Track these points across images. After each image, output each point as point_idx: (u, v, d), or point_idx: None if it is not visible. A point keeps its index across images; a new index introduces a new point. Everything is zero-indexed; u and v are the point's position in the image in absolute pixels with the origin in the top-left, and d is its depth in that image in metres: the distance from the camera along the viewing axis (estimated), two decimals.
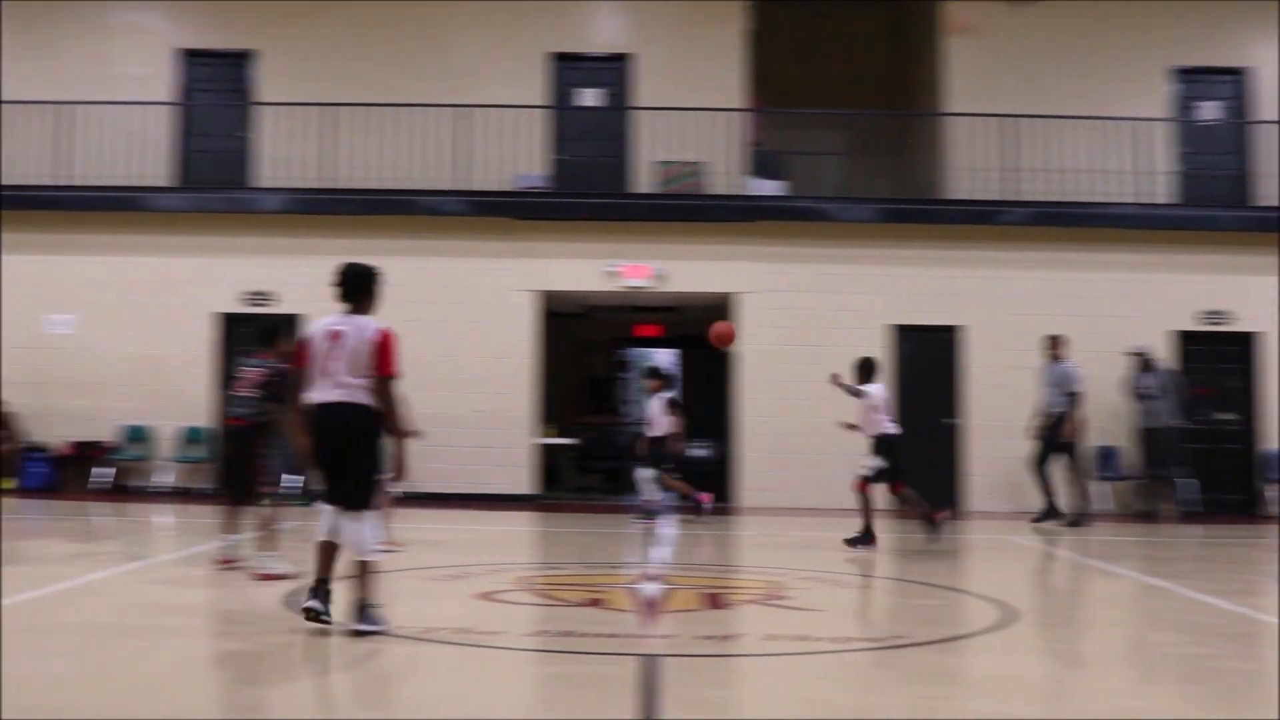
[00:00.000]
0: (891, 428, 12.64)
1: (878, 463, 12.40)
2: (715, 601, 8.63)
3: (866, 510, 12.43)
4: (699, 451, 19.43)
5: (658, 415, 15.65)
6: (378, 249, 17.97)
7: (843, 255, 18.15)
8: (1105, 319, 17.88)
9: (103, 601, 8.17)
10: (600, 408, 23.53)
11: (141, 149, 18.94)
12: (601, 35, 19.83)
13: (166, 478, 18.03)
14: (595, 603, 8.33)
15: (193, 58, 19.79)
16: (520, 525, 15.06)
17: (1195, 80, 19.68)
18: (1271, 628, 8.04)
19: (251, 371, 9.71)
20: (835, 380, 12.86)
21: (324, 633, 6.75)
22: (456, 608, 8.07)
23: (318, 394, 6.90)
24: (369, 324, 7.02)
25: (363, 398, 6.85)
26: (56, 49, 19.60)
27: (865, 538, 12.27)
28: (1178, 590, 9.81)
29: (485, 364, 17.96)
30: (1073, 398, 15.65)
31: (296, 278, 17.93)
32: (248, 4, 19.53)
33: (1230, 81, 19.76)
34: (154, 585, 9.08)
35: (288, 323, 17.63)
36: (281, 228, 18.25)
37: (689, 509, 15.51)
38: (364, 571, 6.86)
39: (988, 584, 10.07)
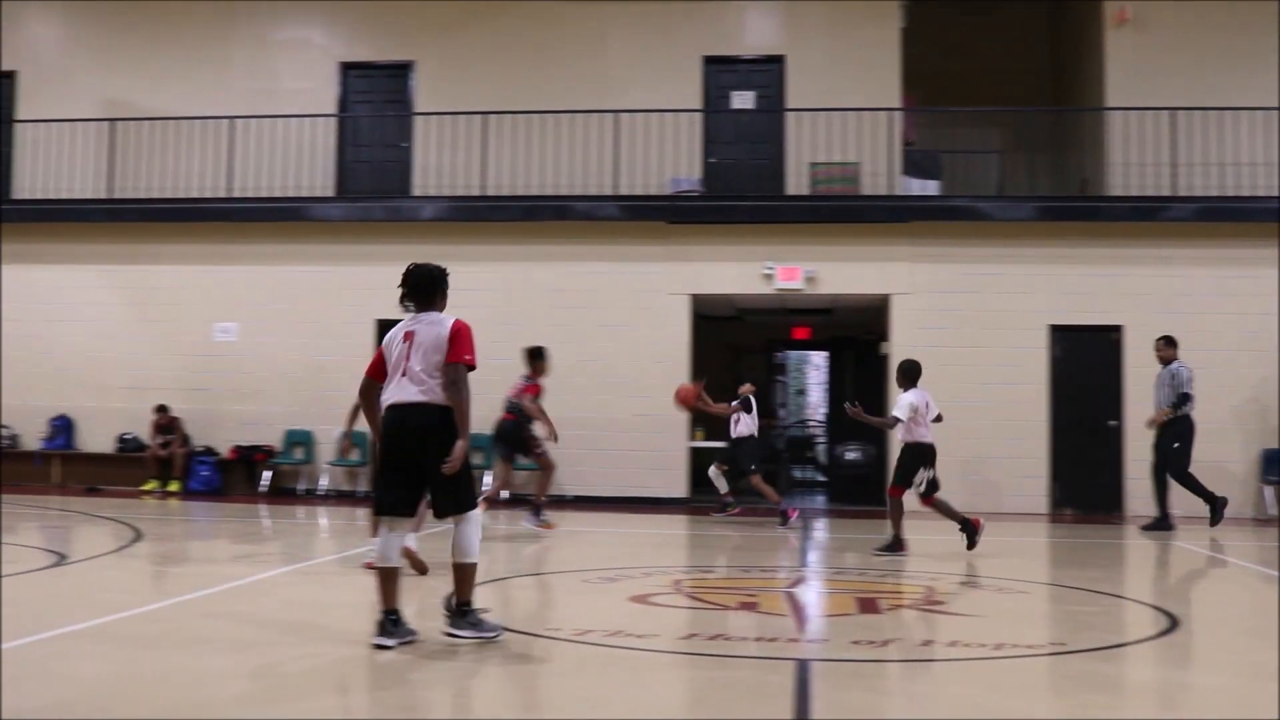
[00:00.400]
0: (926, 436, 12.21)
1: (927, 474, 12.09)
2: (870, 606, 8.58)
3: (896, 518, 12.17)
4: (851, 454, 19.30)
5: (743, 416, 15.53)
6: (533, 254, 18.39)
7: (999, 255, 17.87)
8: (1274, 316, 17.31)
9: (267, 600, 8.42)
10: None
11: (305, 160, 19.48)
12: (755, 37, 19.81)
13: (326, 482, 18.53)
14: (748, 606, 8.34)
15: (353, 70, 20.28)
16: (673, 528, 15.12)
17: None
18: None
19: None
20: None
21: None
22: (610, 611, 8.14)
23: (395, 395, 6.75)
24: (443, 318, 6.93)
25: (443, 397, 6.70)
26: (226, 66, 20.25)
27: (895, 545, 12.00)
28: None
29: (641, 367, 18.07)
30: (1183, 399, 15.05)
31: (456, 284, 18.18)
32: (405, 17, 19.96)
33: None
34: (310, 585, 9.33)
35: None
36: (439, 235, 18.59)
37: (774, 515, 15.33)
38: (466, 575, 6.78)
39: (1150, 590, 9.84)
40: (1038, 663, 6.75)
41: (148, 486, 18.22)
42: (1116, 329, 17.67)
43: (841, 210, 18.15)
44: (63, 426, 19.11)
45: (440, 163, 19.26)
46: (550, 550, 12.15)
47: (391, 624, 6.61)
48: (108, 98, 20.23)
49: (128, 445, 18.88)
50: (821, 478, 23.00)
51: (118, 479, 18.66)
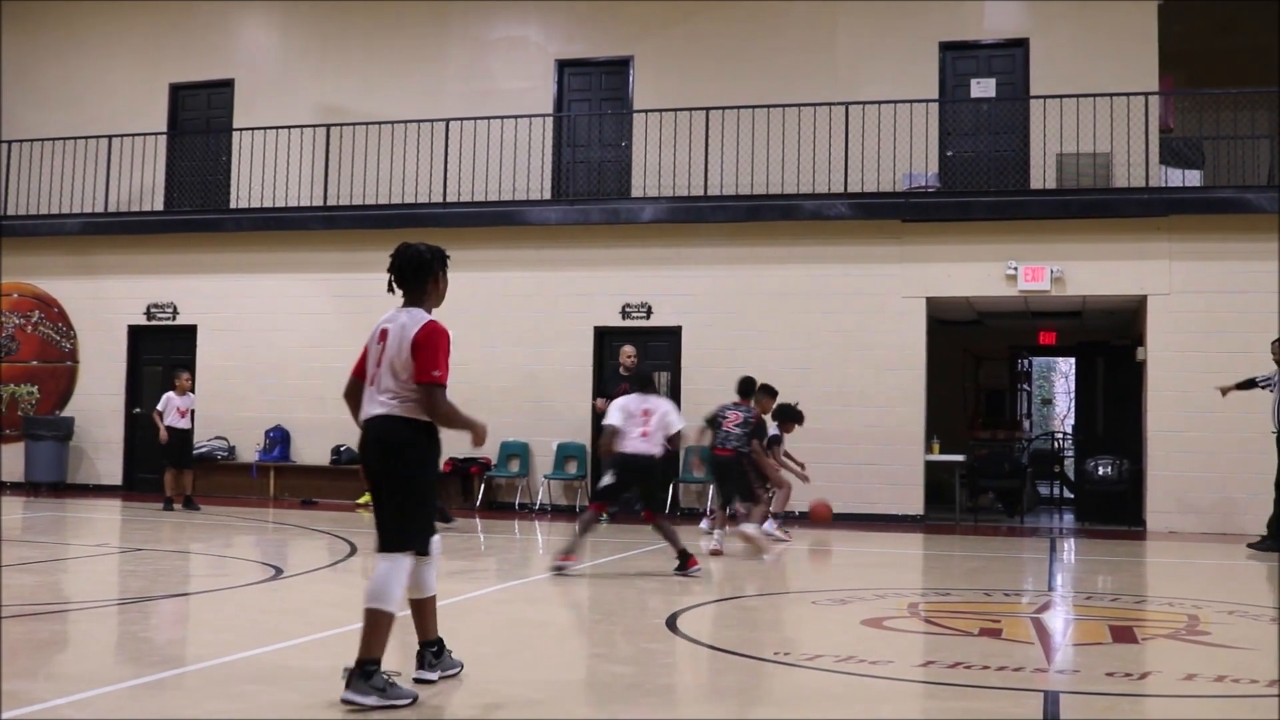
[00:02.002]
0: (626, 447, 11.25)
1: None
2: (1125, 635, 8.31)
3: None
4: (1102, 469, 18.75)
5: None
6: (758, 257, 18.40)
7: (1270, 250, 17.13)
8: None
9: (482, 618, 8.59)
10: (996, 421, 23.06)
11: (521, 162, 19.85)
12: (995, 20, 19.43)
13: (544, 495, 18.84)
14: (991, 632, 8.17)
15: (570, 68, 20.60)
16: (909, 548, 14.93)
17: None
18: None
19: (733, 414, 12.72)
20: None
21: (707, 653, 6.86)
22: (842, 634, 8.08)
23: (364, 409, 6.03)
24: (416, 318, 5.99)
25: (405, 410, 5.90)
26: (438, 67, 20.80)
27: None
28: None
29: (875, 376, 17.91)
30: None
31: (676, 289, 18.46)
32: (623, 11, 20.19)
33: None
34: (521, 604, 9.48)
35: (672, 334, 18.31)
36: (660, 238, 18.74)
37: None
38: (372, 625, 5.70)
39: None
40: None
41: (363, 500, 18.77)
42: None
43: (1092, 204, 17.66)
44: (279, 438, 19.88)
45: (660, 162, 19.41)
46: (777, 569, 12.11)
47: (361, 677, 5.57)
48: (323, 103, 20.99)
49: (343, 458, 19.48)
50: (1070, 494, 22.43)
51: (333, 492, 19.30)
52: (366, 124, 20.30)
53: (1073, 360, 23.09)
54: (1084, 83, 17.96)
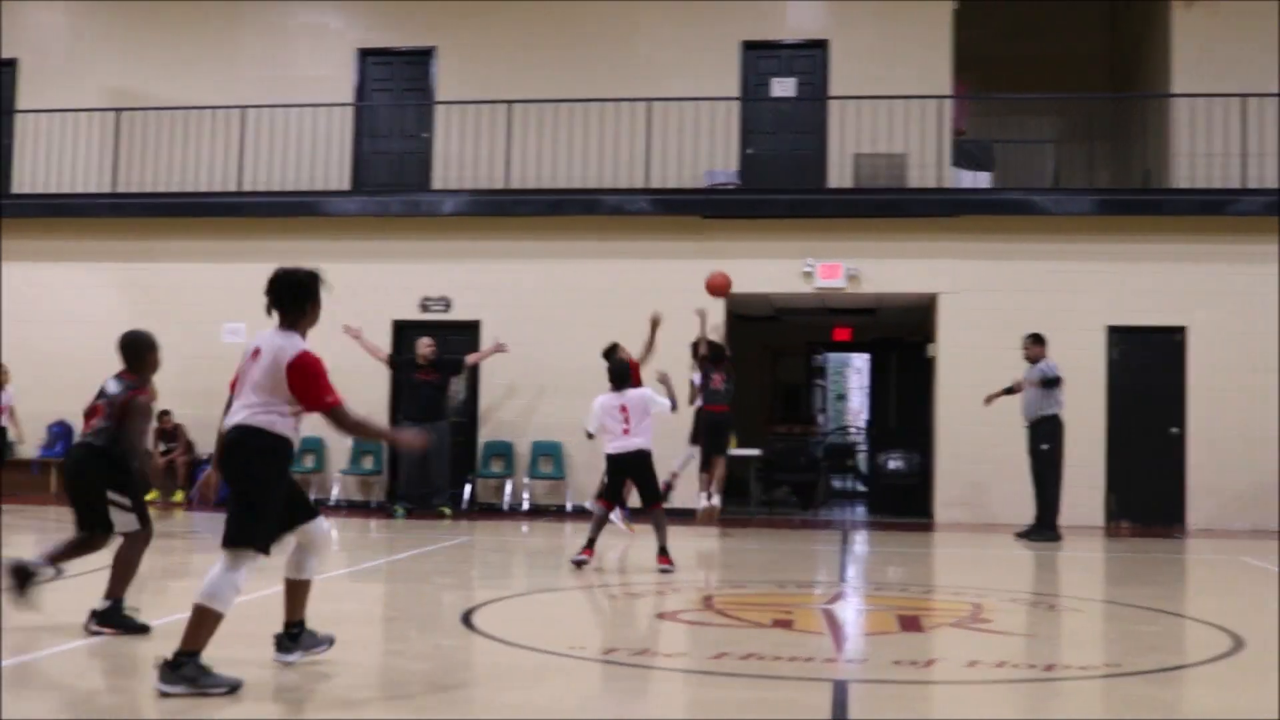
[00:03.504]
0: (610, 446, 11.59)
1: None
2: (912, 624, 8.54)
3: None
4: (894, 463, 19.24)
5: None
6: (560, 251, 18.41)
7: (1054, 251, 17.75)
8: None
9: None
10: (793, 416, 23.46)
11: (320, 152, 19.54)
12: (797, 21, 19.75)
13: (338, 491, 18.58)
14: (783, 624, 8.32)
15: (371, 57, 20.35)
16: (704, 541, 15.09)
17: None
18: None
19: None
20: None
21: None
22: (636, 628, 8.13)
23: (230, 417, 6.41)
24: (291, 342, 6.35)
25: (257, 420, 6.24)
26: (234, 52, 20.35)
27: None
28: None
29: (673, 372, 17.96)
30: (1053, 383, 14.97)
31: (476, 282, 18.36)
32: (426, 1, 19.97)
33: None
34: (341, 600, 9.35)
35: (471, 328, 18.19)
36: (460, 230, 18.63)
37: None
38: (198, 619, 5.94)
39: (1212, 608, 9.74)
40: (1091, 685, 6.71)
41: (150, 497, 18.23)
42: (1180, 330, 17.54)
43: (886, 204, 18.09)
44: (61, 433, 19.23)
45: (462, 154, 19.29)
46: (568, 564, 12.15)
47: (171, 668, 5.79)
48: (113, 87, 20.33)
49: None
50: (862, 488, 22.95)
51: None
52: (159, 109, 19.75)
53: (867, 356, 23.57)
54: (881, 84, 18.36)
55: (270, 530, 6.24)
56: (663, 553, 11.05)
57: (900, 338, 20.97)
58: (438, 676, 6.59)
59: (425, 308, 18.75)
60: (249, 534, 6.12)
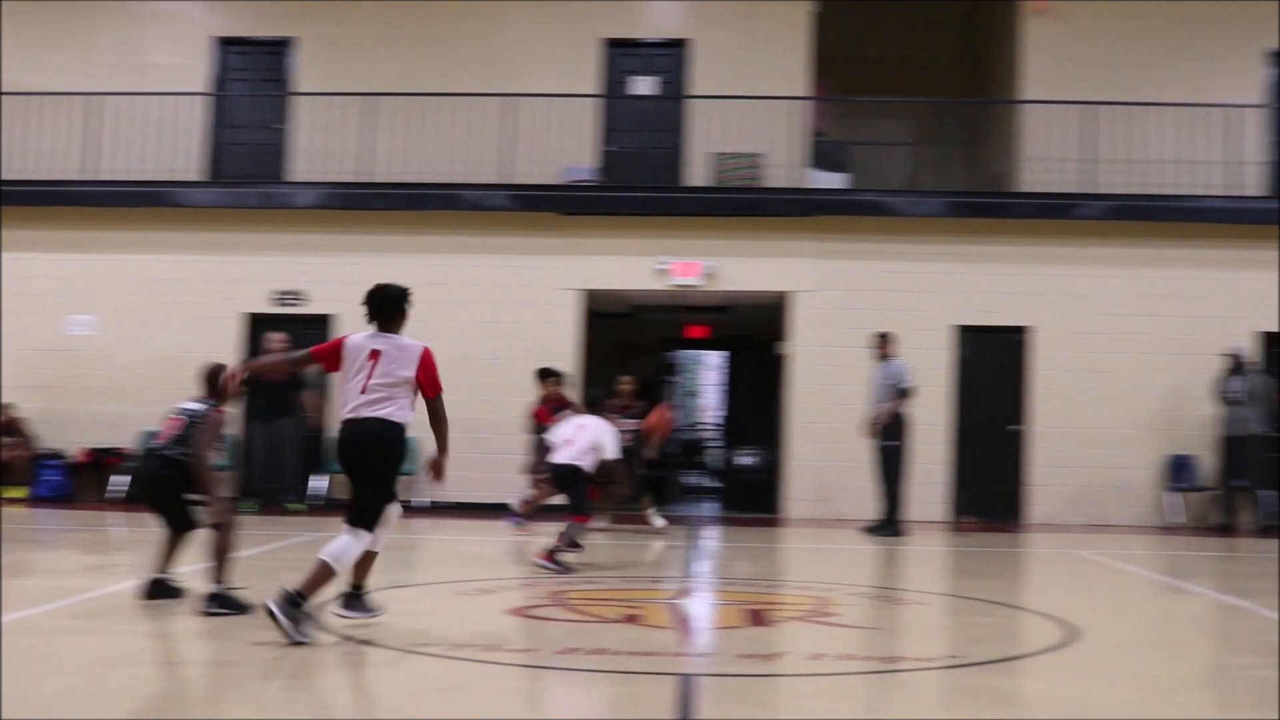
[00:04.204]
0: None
1: None
2: (758, 618, 8.62)
3: None
4: (745, 460, 19.41)
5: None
6: (418, 245, 18.26)
7: (907, 252, 18.07)
8: (1188, 319, 17.74)
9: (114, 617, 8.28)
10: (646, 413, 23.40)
11: (174, 141, 19.15)
12: (658, 20, 19.84)
13: None
14: (632, 619, 8.34)
15: (229, 46, 20.01)
16: (546, 539, 15.04)
17: None
18: None
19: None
20: None
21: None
22: (486, 624, 8.11)
23: (352, 411, 7.34)
24: (410, 343, 7.57)
25: (399, 415, 7.35)
26: (87, 37, 19.88)
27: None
28: (1254, 609, 9.72)
29: (527, 367, 17.95)
30: (903, 394, 15.35)
31: (332, 276, 18.12)
32: None
33: None
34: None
35: (325, 323, 17.97)
36: (316, 224, 18.40)
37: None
38: (321, 576, 7.12)
39: (1050, 601, 9.98)
40: (932, 676, 6.83)
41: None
42: (1024, 330, 17.96)
43: (743, 203, 18.25)
44: None
45: (320, 147, 19.05)
46: (424, 560, 12.08)
47: (291, 603, 6.89)
48: None
49: None
50: (714, 484, 23.07)
51: None
52: (5, 94, 19.20)
53: (721, 354, 23.74)
54: (740, 84, 18.52)
55: (379, 514, 7.36)
56: (552, 552, 10.92)
57: (755, 336, 21.16)
58: (282, 671, 6.51)
59: (278, 301, 18.49)
60: (372, 519, 7.30)
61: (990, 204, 18.62)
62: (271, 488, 16.90)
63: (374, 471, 7.33)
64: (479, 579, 10.32)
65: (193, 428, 8.29)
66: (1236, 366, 17.04)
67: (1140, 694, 6.58)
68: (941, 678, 6.83)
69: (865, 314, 17.76)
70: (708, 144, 18.75)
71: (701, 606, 9.30)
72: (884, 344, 15.64)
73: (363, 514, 7.30)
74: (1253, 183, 18.62)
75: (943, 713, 6.16)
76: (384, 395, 7.30)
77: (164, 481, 8.35)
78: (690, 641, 7.84)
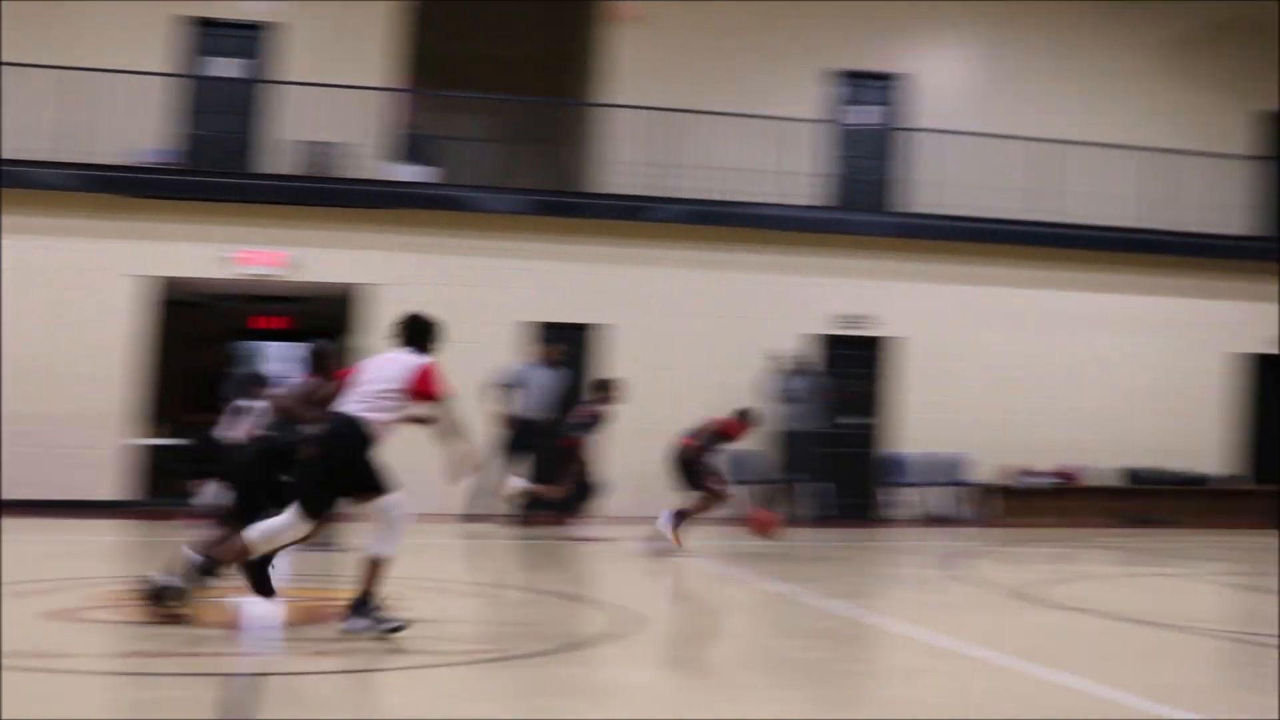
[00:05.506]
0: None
1: None
2: (317, 614, 8.60)
3: None
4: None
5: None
6: None
7: (489, 248, 18.29)
8: (753, 320, 18.70)
9: None
10: (207, 406, 22.70)
11: None
12: (243, 2, 19.24)
13: None
14: (183, 619, 8.16)
15: None
16: (107, 534, 14.52)
17: (850, 84, 20.68)
18: (879, 630, 8.74)
19: None
20: None
21: None
22: (25, 629, 7.76)
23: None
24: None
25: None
26: None
27: None
28: (800, 595, 10.40)
29: (80, 356, 17.18)
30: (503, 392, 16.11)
31: None
32: None
33: (884, 87, 20.87)
34: None
35: None
36: None
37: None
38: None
39: (611, 591, 10.38)
40: (485, 668, 7.02)
41: None
42: (597, 328, 18.47)
43: (326, 193, 17.99)
44: None
45: None
46: None
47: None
48: None
49: None
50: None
51: None
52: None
53: (297, 345, 23.30)
54: (330, 72, 18.16)
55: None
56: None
57: (334, 328, 20.87)
58: None
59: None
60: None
61: (569, 203, 19.05)
62: None
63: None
64: (18, 581, 9.84)
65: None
66: (794, 366, 18.12)
67: (692, 677, 6.99)
68: (495, 669, 7.04)
69: (446, 308, 17.67)
70: (292, 131, 18.38)
71: (256, 605, 9.19)
72: (549, 350, 16.05)
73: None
74: (812, 193, 19.77)
75: (497, 704, 6.34)
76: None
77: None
78: (245, 639, 7.78)
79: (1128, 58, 21.36)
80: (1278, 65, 21.23)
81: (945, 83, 20.85)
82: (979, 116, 20.34)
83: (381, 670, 6.96)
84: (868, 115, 20.81)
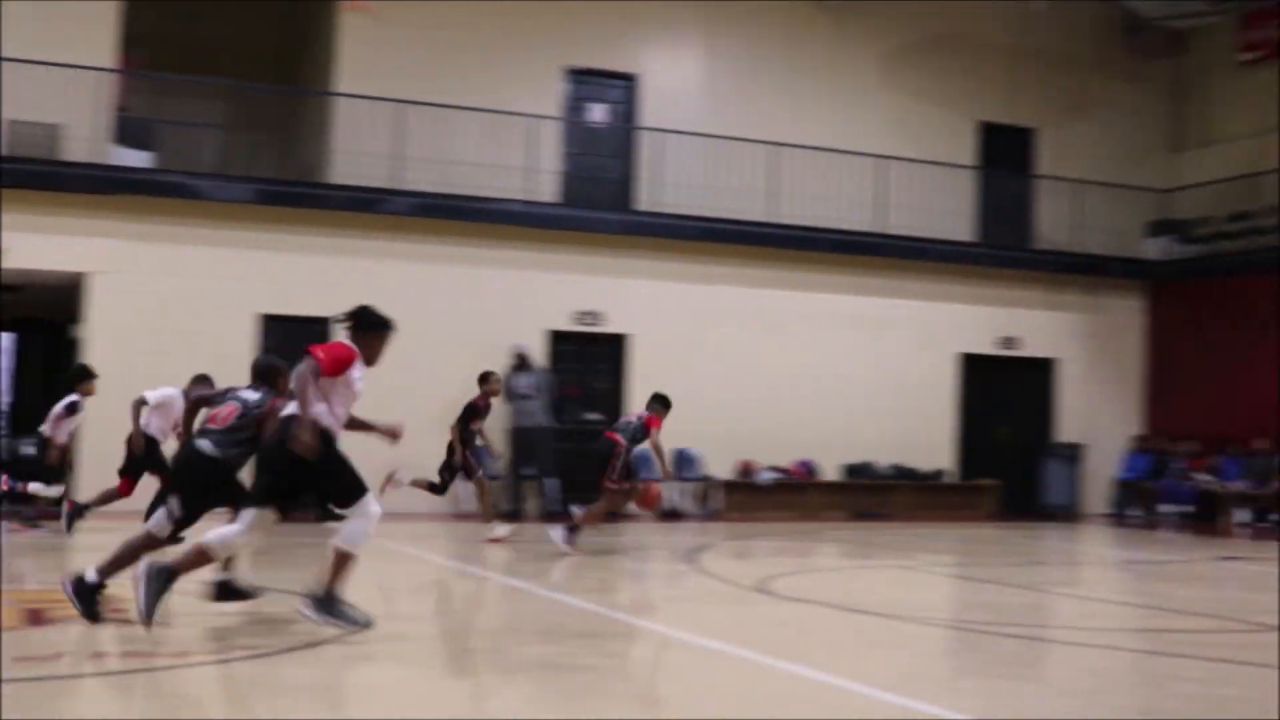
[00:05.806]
0: None
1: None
2: (38, 618, 8.18)
3: None
4: (32, 449, 18.27)
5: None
6: None
7: (214, 237, 17.80)
8: (486, 316, 18.73)
9: None
10: None
11: None
12: None
13: None
14: None
15: None
16: None
17: (585, 82, 20.80)
18: (617, 624, 8.78)
19: None
20: None
21: None
22: None
23: None
24: None
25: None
26: None
27: None
28: (536, 590, 10.38)
29: None
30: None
31: None
32: None
33: (620, 86, 21.06)
34: None
35: None
36: None
37: None
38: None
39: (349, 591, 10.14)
40: (217, 670, 6.80)
41: None
42: (323, 321, 18.06)
43: (39, 176, 17.13)
44: None
45: None
46: None
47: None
48: None
49: None
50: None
51: None
52: None
53: (9, 336, 22.23)
54: (44, 50, 17.24)
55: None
56: None
57: (48, 318, 20.00)
58: None
59: None
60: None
61: (300, 194, 18.63)
62: None
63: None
64: None
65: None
66: (523, 363, 18.16)
67: (426, 675, 6.86)
68: (227, 670, 6.84)
69: (168, 299, 17.31)
70: (6, 111, 17.42)
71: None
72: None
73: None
74: (548, 189, 19.80)
75: (227, 706, 6.15)
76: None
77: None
78: None
79: (857, 65, 22.11)
80: (1000, 78, 22.30)
81: (676, 83, 21.24)
82: (713, 117, 20.79)
83: (98, 676, 6.63)
84: (602, 113, 20.97)
